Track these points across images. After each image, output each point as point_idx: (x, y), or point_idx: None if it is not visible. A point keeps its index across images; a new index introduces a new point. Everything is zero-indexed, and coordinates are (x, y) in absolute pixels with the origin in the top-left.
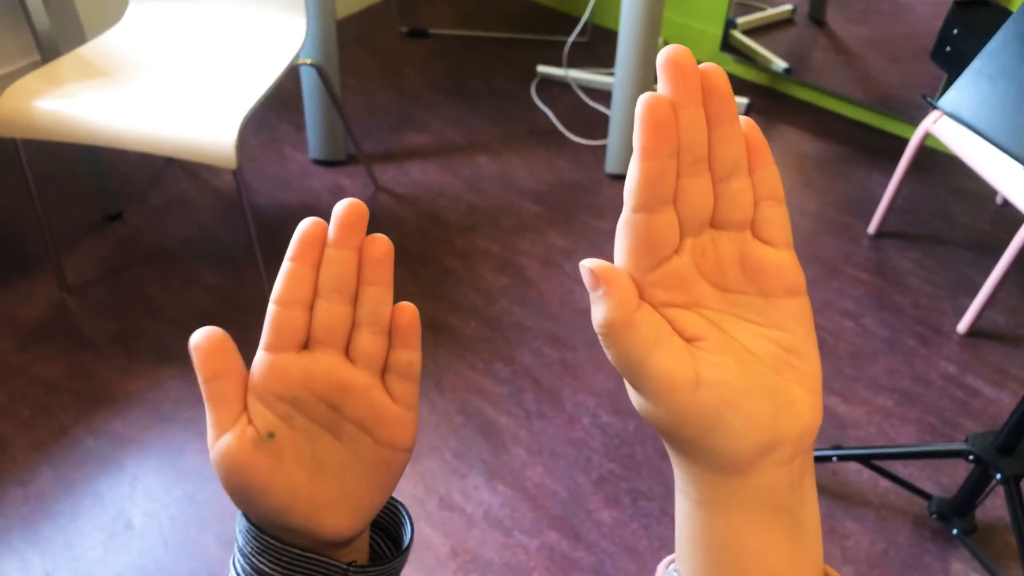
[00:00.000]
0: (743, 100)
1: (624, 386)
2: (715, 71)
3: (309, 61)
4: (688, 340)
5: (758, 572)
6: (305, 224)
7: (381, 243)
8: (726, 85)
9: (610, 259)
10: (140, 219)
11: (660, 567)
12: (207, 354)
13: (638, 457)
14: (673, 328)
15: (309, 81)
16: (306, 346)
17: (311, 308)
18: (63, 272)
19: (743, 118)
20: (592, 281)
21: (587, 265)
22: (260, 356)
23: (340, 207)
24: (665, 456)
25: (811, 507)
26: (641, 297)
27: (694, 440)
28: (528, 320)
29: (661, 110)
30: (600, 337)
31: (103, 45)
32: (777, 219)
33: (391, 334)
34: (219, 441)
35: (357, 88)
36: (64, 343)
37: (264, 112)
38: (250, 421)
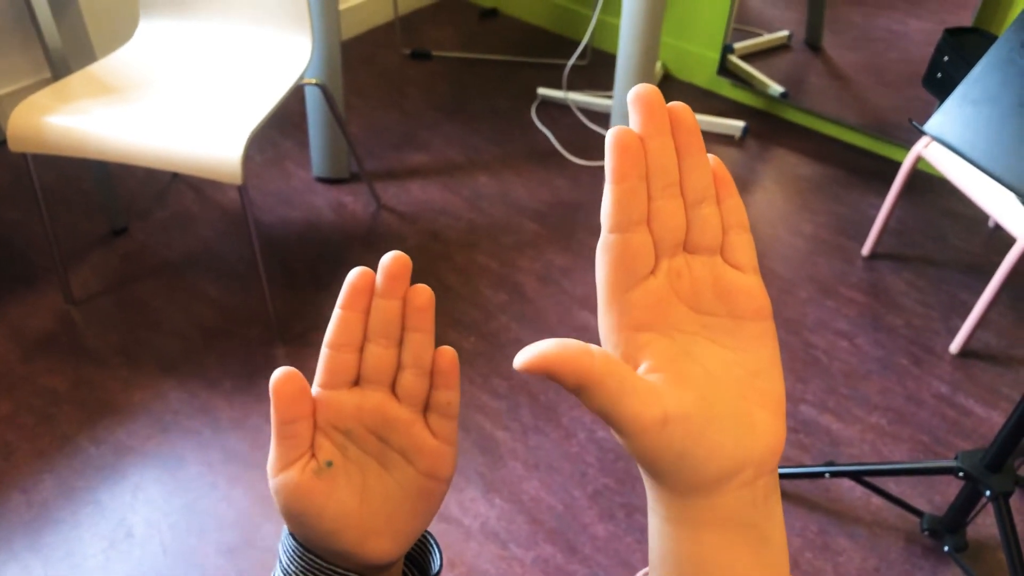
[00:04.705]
0: (739, 123)
1: None
2: (682, 107)
3: (314, 81)
4: (654, 371)
5: None
6: (354, 274)
7: (424, 293)
8: (692, 120)
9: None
10: (145, 234)
11: None
12: (288, 400)
13: (633, 472)
14: (643, 355)
15: (313, 100)
16: (356, 383)
17: (361, 350)
18: (69, 285)
19: (710, 156)
20: (537, 374)
21: (520, 367)
22: (315, 392)
23: (386, 260)
24: None
25: (776, 522)
26: (619, 317)
27: (663, 468)
28: (526, 336)
29: (627, 137)
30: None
31: (113, 63)
32: (745, 245)
33: (432, 375)
34: (284, 473)
35: (360, 108)
36: (69, 354)
37: (269, 130)
38: (313, 455)
